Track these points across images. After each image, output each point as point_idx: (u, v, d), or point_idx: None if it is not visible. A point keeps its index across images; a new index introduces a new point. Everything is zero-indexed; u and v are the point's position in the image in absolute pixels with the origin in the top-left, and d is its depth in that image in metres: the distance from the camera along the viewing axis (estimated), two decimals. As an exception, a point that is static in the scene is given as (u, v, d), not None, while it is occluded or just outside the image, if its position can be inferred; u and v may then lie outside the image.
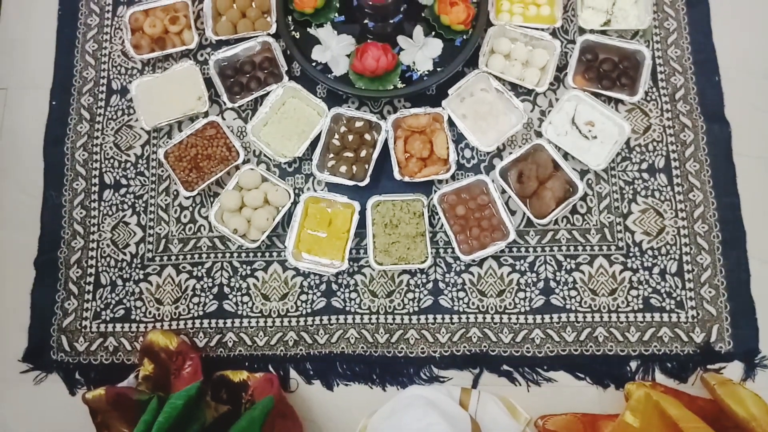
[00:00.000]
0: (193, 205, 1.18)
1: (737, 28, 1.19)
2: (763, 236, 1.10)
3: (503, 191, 1.12)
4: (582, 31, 1.18)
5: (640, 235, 1.12)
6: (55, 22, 1.28)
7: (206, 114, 1.19)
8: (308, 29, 1.19)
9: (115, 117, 1.23)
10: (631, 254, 1.11)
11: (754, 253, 1.10)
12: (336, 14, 1.20)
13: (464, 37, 1.16)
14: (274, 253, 1.15)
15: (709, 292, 1.09)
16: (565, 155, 1.13)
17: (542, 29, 1.17)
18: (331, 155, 1.16)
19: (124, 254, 1.17)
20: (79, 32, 1.27)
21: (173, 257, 1.16)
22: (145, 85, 1.19)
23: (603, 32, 1.17)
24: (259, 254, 1.15)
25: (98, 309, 1.15)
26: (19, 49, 1.29)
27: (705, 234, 1.11)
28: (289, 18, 1.20)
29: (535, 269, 1.11)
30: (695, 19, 1.20)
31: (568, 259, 1.11)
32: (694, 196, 1.12)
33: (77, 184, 1.20)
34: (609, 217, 1.13)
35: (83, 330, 1.15)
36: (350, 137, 1.14)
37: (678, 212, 1.12)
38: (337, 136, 1.15)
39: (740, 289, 1.08)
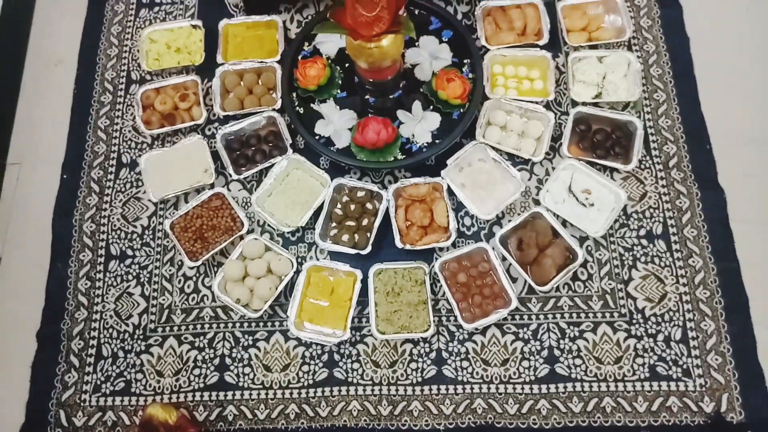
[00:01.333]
0: (197, 275, 1.19)
1: (724, 99, 1.24)
2: (766, 302, 1.10)
3: (504, 258, 1.13)
4: (575, 103, 1.22)
5: (642, 301, 1.11)
6: (70, 100, 1.34)
7: (212, 186, 1.22)
8: (312, 105, 1.25)
9: (123, 189, 1.26)
10: (634, 321, 1.10)
11: (759, 320, 1.09)
12: (338, 90, 1.26)
13: (461, 110, 1.21)
14: (276, 323, 1.15)
15: (716, 359, 1.07)
16: (564, 222, 1.15)
17: (536, 102, 1.21)
18: (334, 224, 1.18)
19: (127, 325, 1.17)
20: (92, 109, 1.33)
21: (175, 328, 1.16)
22: (154, 159, 1.24)
23: (595, 104, 1.22)
24: (261, 324, 1.15)
25: (98, 382, 1.14)
26: (34, 126, 1.34)
27: (707, 300, 1.11)
28: (294, 94, 1.25)
29: (538, 337, 1.11)
30: (683, 91, 1.24)
31: (572, 327, 1.11)
32: (693, 262, 1.13)
33: (84, 256, 1.22)
34: (610, 284, 1.13)
35: (82, 404, 1.13)
36: (352, 206, 1.16)
37: (679, 278, 1.12)
38: (339, 206, 1.18)
39: (747, 357, 1.07)
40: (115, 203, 1.25)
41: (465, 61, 1.25)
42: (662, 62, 1.27)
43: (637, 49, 1.29)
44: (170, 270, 1.20)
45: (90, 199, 1.26)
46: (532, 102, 1.21)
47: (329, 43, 1.29)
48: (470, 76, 1.23)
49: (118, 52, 1.37)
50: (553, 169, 1.20)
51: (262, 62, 1.28)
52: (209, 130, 1.29)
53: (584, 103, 1.22)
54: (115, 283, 1.20)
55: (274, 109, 1.25)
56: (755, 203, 1.17)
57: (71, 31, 1.40)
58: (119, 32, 1.39)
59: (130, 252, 1.22)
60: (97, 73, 1.36)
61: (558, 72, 1.27)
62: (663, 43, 1.29)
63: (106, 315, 1.18)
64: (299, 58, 1.27)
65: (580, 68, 1.24)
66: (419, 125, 1.21)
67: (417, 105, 1.21)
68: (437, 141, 1.20)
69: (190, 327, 1.16)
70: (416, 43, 1.27)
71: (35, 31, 1.43)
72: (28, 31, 1.42)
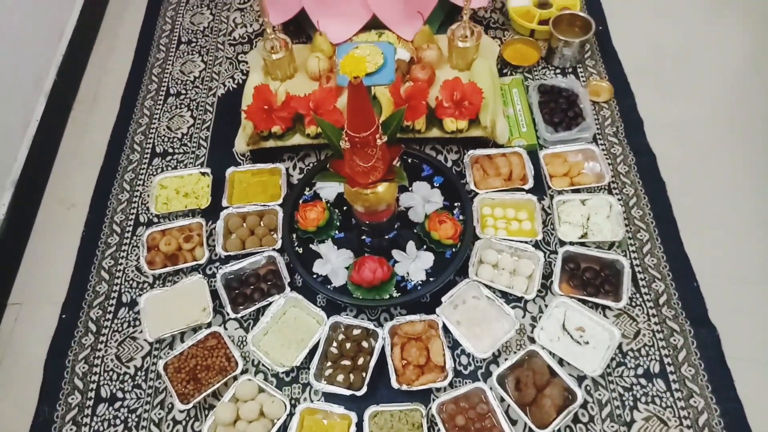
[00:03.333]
0: (187, 418, 1.15)
1: (706, 238, 1.29)
2: (777, 445, 1.06)
3: (502, 399, 1.10)
4: (562, 242, 1.28)
5: (648, 445, 1.07)
6: (78, 242, 1.39)
7: (209, 324, 1.23)
8: (311, 245, 1.30)
9: (120, 329, 1.26)
10: (642, 468, 1.05)
11: (772, 465, 1.04)
12: (336, 231, 1.32)
13: (454, 250, 1.25)
14: (267, 472, 1.09)
15: None
16: (560, 361, 1.14)
17: (525, 242, 1.27)
18: (329, 363, 1.17)
19: (109, 475, 1.11)
20: (98, 250, 1.38)
21: (160, 478, 1.10)
22: (154, 299, 1.26)
23: (582, 243, 1.27)
24: (250, 473, 1.09)
25: None
26: (40, 266, 1.38)
27: (715, 444, 1.07)
28: (294, 235, 1.31)
29: (543, 486, 1.05)
30: (665, 231, 1.31)
31: (577, 474, 1.06)
32: (695, 402, 1.11)
33: (72, 398, 1.19)
34: (613, 426, 1.09)
35: None
36: (348, 345, 1.16)
37: (682, 419, 1.09)
38: (335, 344, 1.18)
39: (765, 507, 1.01)
40: (110, 343, 1.25)
41: (455, 204, 1.33)
42: (642, 204, 1.35)
43: (617, 192, 1.37)
44: (160, 413, 1.16)
45: (86, 339, 1.26)
46: (521, 242, 1.27)
47: (329, 188, 1.37)
48: (461, 218, 1.30)
49: (129, 196, 1.46)
50: (546, 306, 1.22)
51: (265, 206, 1.35)
52: (210, 269, 1.33)
53: (571, 243, 1.27)
54: (101, 429, 1.15)
55: (274, 249, 1.29)
56: (749, 340, 1.17)
57: (87, 178, 1.50)
58: (132, 179, 1.49)
59: (120, 394, 1.19)
60: (106, 216, 1.43)
61: (544, 213, 1.34)
62: (641, 187, 1.38)
63: (88, 464, 1.12)
64: (300, 201, 1.35)
65: (564, 210, 1.31)
66: (413, 264, 1.25)
67: (411, 245, 1.27)
68: (431, 279, 1.23)
69: (176, 477, 1.10)
70: (410, 188, 1.35)
71: (53, 177, 1.52)
72: (47, 178, 1.52)
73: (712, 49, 1.63)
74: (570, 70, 1.60)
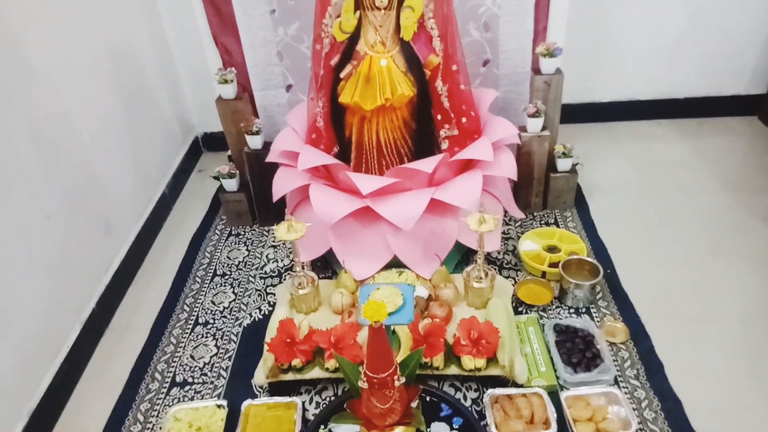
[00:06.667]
0: None
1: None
2: None
3: None
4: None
5: None
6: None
7: None
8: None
9: None
10: None
11: None
12: (350, 476, 1.24)
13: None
14: None
15: None
16: None
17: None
18: None
19: None
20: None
21: None
22: None
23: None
24: None
25: None
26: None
27: None
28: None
29: None
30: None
31: None
32: None
33: None
34: None
35: None
36: None
37: None
38: None
39: None
40: None
41: (476, 449, 1.27)
42: (677, 457, 1.27)
43: (648, 441, 1.31)
44: None
45: None
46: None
47: (343, 427, 1.33)
48: (482, 466, 1.23)
49: (141, 428, 1.43)
50: None
51: (277, 444, 1.31)
52: None
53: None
54: None
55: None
56: None
57: (103, 406, 1.49)
58: (147, 409, 1.47)
59: None
60: (114, 450, 1.39)
61: (572, 464, 1.26)
62: (672, 436, 1.31)
63: None
64: (314, 441, 1.31)
65: (593, 461, 1.24)
66: None
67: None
68: None
69: None
70: (428, 430, 1.31)
71: (70, 405, 1.52)
72: (64, 407, 1.51)
73: (720, 291, 1.68)
74: (583, 310, 1.65)
